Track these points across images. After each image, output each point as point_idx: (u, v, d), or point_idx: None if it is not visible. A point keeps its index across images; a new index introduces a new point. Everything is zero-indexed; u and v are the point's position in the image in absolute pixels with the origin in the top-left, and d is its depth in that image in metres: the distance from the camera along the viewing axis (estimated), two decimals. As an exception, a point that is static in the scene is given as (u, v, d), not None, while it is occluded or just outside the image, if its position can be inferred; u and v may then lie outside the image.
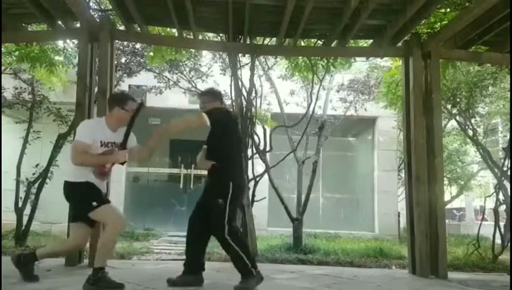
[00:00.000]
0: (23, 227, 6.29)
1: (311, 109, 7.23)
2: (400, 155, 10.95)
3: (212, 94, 3.78)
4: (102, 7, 6.26)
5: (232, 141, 3.57)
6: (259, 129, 6.95)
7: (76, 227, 3.44)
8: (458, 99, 7.27)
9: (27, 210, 6.37)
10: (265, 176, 7.10)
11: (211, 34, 6.36)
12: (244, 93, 6.26)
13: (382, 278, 4.51)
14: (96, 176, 3.36)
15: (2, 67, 6.63)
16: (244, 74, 6.59)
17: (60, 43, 7.10)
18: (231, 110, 3.84)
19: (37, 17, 5.11)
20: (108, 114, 3.50)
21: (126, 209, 10.61)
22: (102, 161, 3.36)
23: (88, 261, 4.45)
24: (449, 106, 7.48)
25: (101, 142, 3.34)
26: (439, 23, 5.32)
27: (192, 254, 3.58)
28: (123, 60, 7.62)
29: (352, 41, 5.77)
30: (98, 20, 5.05)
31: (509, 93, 7.33)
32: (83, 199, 3.33)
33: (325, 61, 6.57)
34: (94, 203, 3.26)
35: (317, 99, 7.31)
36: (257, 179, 6.61)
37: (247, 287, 3.35)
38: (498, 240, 6.42)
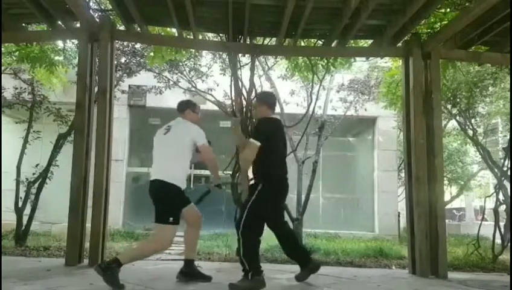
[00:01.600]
0: (23, 227, 6.29)
1: (311, 109, 7.22)
2: (400, 155, 10.96)
3: (261, 99, 3.98)
4: (102, 7, 6.25)
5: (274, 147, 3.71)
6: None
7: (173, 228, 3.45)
8: (458, 100, 7.27)
9: (27, 210, 6.37)
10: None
11: (210, 34, 6.36)
12: (244, 93, 6.26)
13: (382, 278, 4.51)
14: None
15: (2, 67, 6.63)
16: (244, 74, 6.58)
17: (60, 43, 7.10)
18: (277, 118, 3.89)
19: (37, 17, 5.11)
20: (183, 116, 3.83)
21: (126, 209, 10.64)
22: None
23: (88, 261, 4.44)
24: (449, 106, 7.48)
25: None
26: (439, 23, 5.31)
27: (296, 253, 3.97)
28: (123, 60, 7.61)
29: (352, 41, 5.77)
30: (98, 20, 5.05)
31: (509, 93, 7.33)
32: (172, 205, 3.48)
33: (325, 61, 6.57)
34: (171, 219, 3.40)
35: (317, 99, 7.31)
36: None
37: (239, 286, 3.38)
38: (498, 240, 6.42)
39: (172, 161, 3.55)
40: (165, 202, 3.44)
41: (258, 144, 3.53)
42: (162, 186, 3.46)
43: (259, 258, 3.58)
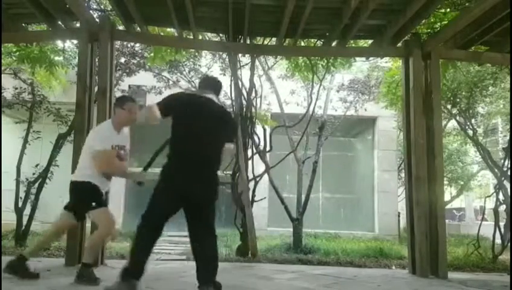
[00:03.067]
0: (23, 227, 6.28)
1: (311, 109, 7.22)
2: (400, 155, 10.96)
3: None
4: (102, 7, 6.25)
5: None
6: (259, 129, 6.95)
7: (66, 215, 3.66)
8: (458, 99, 7.27)
9: (27, 210, 6.37)
10: (265, 176, 7.10)
11: (210, 34, 6.36)
12: (244, 93, 6.26)
13: (382, 278, 4.52)
14: (101, 178, 3.58)
15: (2, 67, 6.63)
16: (244, 74, 6.58)
17: (60, 44, 7.10)
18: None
19: (37, 17, 5.11)
20: (113, 116, 3.75)
21: (126, 210, 10.63)
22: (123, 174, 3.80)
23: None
24: (449, 106, 7.48)
25: (112, 146, 3.52)
26: (439, 23, 5.32)
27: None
28: (122, 60, 7.61)
29: (352, 41, 5.77)
30: (98, 20, 5.05)
31: (509, 93, 7.33)
32: (84, 198, 3.56)
33: (325, 61, 6.57)
34: (93, 204, 3.51)
35: (317, 99, 7.31)
36: (257, 179, 6.62)
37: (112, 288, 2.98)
38: (498, 240, 6.42)
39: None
40: (78, 195, 3.61)
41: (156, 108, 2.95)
42: (71, 185, 3.62)
43: (144, 260, 2.96)
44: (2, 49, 6.23)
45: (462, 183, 13.29)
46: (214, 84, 3.31)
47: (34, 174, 6.47)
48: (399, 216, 11.06)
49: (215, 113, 3.11)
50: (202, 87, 3.30)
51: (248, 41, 5.52)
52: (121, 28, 5.35)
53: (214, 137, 3.04)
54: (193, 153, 2.98)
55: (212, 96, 3.18)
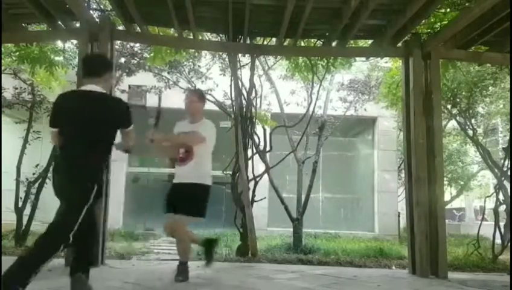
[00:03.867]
0: (23, 227, 6.29)
1: (311, 109, 7.23)
2: (400, 155, 10.97)
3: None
4: (102, 7, 6.25)
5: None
6: (259, 129, 6.95)
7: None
8: (458, 99, 7.27)
9: (27, 210, 6.38)
10: (265, 176, 7.11)
11: (210, 34, 6.36)
12: (244, 93, 6.26)
13: (382, 278, 4.51)
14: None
15: (2, 67, 6.63)
16: (244, 74, 6.59)
17: (60, 44, 7.10)
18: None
19: (37, 17, 5.10)
20: None
21: (126, 209, 10.64)
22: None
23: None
24: (449, 106, 7.48)
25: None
26: (439, 23, 5.31)
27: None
28: (122, 60, 7.61)
29: (352, 41, 5.77)
30: (98, 20, 5.04)
31: (509, 93, 7.34)
32: None
33: (325, 61, 6.57)
34: None
35: (317, 99, 7.31)
36: (257, 179, 6.62)
37: None
38: (498, 240, 6.43)
39: None
40: None
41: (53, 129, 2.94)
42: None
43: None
44: (2, 49, 6.23)
45: (462, 183, 13.30)
46: (93, 67, 3.02)
47: (34, 174, 6.48)
48: (399, 216, 11.07)
49: (89, 105, 2.89)
50: (84, 75, 3.02)
51: (248, 42, 5.52)
52: (121, 28, 5.35)
53: (86, 130, 2.84)
54: (66, 149, 2.86)
55: (90, 86, 2.91)
